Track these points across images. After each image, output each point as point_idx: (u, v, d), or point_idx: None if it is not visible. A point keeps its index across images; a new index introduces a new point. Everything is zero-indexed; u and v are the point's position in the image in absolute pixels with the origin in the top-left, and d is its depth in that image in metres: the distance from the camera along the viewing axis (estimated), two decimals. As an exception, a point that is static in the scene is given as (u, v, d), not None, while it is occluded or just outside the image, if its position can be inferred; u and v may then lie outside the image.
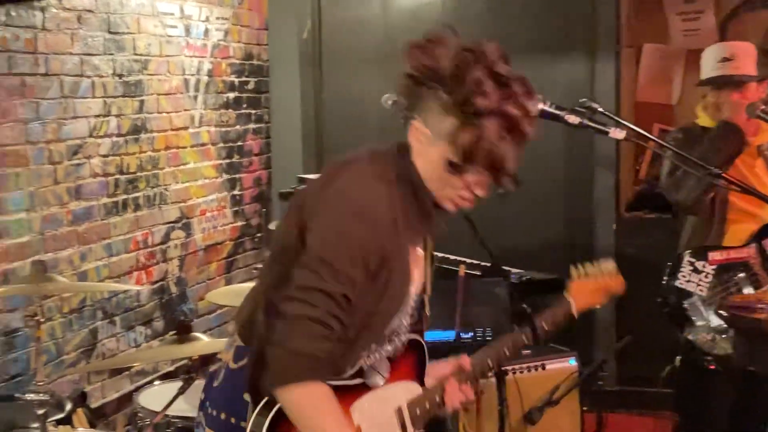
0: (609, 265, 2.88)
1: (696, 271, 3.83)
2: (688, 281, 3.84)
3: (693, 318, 3.80)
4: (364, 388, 2.27)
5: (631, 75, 5.74)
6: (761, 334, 3.09)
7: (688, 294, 3.83)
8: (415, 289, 2.30)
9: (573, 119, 2.49)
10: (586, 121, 2.48)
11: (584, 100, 2.53)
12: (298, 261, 2.11)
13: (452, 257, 4.30)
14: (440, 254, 4.38)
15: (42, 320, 2.87)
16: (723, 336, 3.61)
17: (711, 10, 5.63)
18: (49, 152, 4.33)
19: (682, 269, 3.85)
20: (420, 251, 2.34)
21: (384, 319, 2.22)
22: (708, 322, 3.77)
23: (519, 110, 2.07)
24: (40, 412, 2.79)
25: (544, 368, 4.38)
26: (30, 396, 2.79)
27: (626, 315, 5.47)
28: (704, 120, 4.03)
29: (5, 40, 4.05)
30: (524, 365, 4.35)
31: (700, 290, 3.81)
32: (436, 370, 2.47)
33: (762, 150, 3.98)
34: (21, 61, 4.14)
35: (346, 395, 2.21)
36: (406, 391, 2.36)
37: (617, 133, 2.48)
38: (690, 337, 3.80)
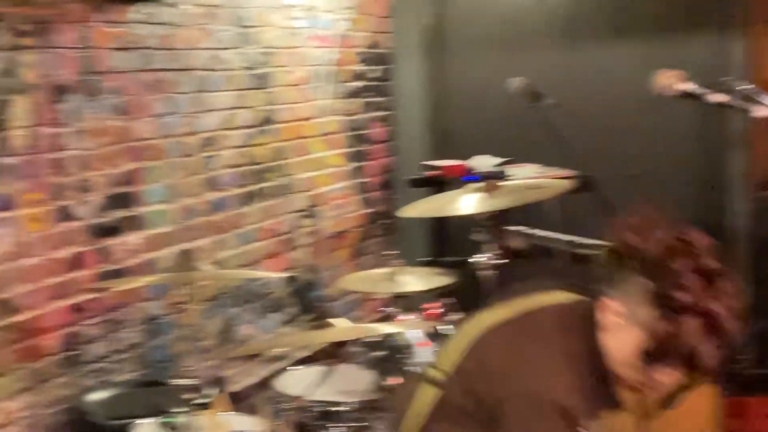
0: None
1: None
2: None
3: None
4: None
5: (763, 52, 5.57)
6: None
7: None
8: None
9: (715, 98, 2.43)
10: (731, 101, 2.41)
11: (725, 78, 2.47)
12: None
13: (589, 241, 4.26)
14: (578, 239, 4.38)
15: (187, 307, 2.95)
16: None
17: None
18: (183, 145, 4.45)
19: None
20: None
21: None
22: None
23: (723, 309, 1.96)
24: (187, 396, 2.88)
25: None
26: (177, 381, 2.88)
27: (764, 298, 5.33)
28: None
29: (142, 38, 4.17)
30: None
31: None
32: None
33: None
34: (156, 57, 4.27)
35: None
36: None
37: (761, 111, 2.41)
38: None
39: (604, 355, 2.11)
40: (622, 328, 2.05)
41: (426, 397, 2.23)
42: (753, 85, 2.43)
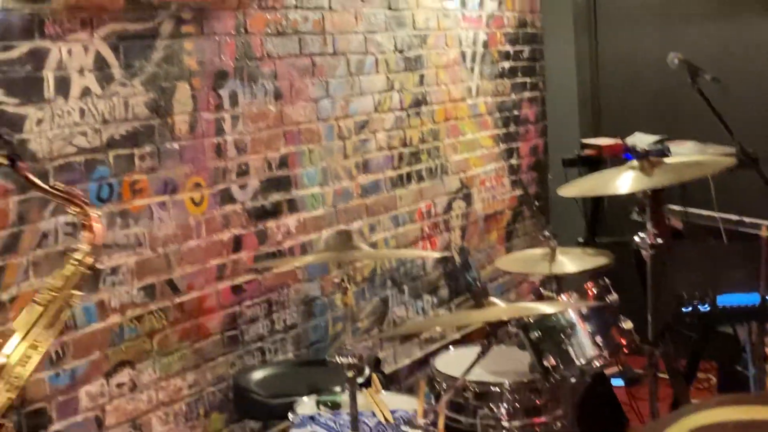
0: None
1: None
2: None
3: None
4: None
5: None
6: None
7: None
8: None
9: None
10: None
11: None
12: None
13: (751, 220, 4.12)
14: (738, 217, 4.24)
15: (349, 287, 2.99)
16: None
17: None
18: (338, 128, 4.51)
19: None
20: None
21: None
22: None
23: None
24: (349, 374, 2.92)
25: None
26: (339, 359, 2.91)
27: None
28: None
29: (296, 22, 4.24)
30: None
31: None
32: None
33: None
34: (311, 41, 4.32)
35: None
36: None
37: None
38: None
39: None
40: None
41: None
42: None
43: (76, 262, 2.17)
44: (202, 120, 3.80)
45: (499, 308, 2.94)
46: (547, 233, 3.84)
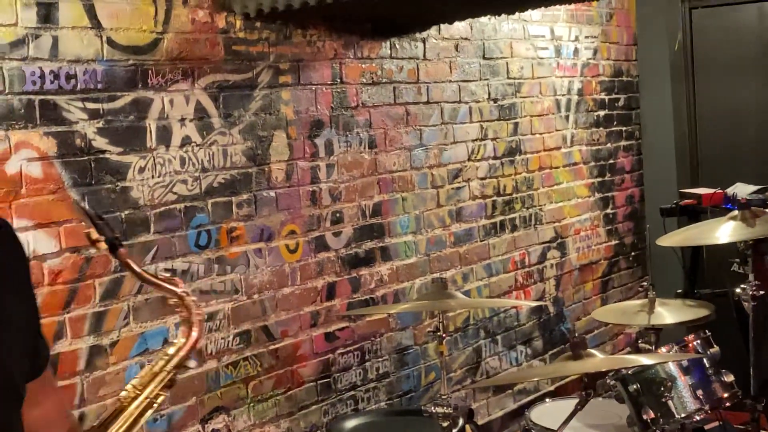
0: None
1: None
2: None
3: None
4: None
5: None
6: None
7: None
8: None
9: None
10: None
11: None
12: None
13: None
14: None
15: (443, 335, 2.97)
16: None
17: None
18: (432, 176, 4.51)
19: None
20: None
21: None
22: None
23: None
24: (445, 425, 2.89)
25: None
26: (434, 409, 2.89)
27: None
28: None
29: (391, 72, 4.27)
30: None
31: None
32: None
33: None
34: (405, 90, 4.35)
35: None
36: None
37: None
38: None
39: None
40: None
41: None
42: None
43: (167, 357, 1.80)
44: (298, 168, 3.84)
45: (598, 359, 2.89)
46: (645, 284, 3.78)
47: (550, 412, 3.54)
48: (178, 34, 3.37)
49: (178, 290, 1.79)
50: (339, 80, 4.03)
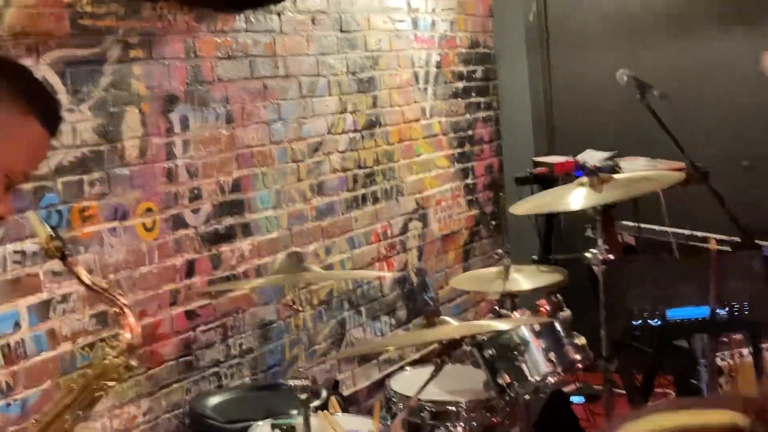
0: None
1: None
2: None
3: None
4: None
5: None
6: None
7: None
8: None
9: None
10: None
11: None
12: None
13: (701, 234, 4.16)
14: (689, 231, 4.28)
15: (300, 309, 2.97)
16: None
17: None
18: (291, 151, 4.50)
19: None
20: None
21: None
22: None
23: None
24: (303, 397, 2.90)
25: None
26: (292, 382, 2.90)
27: None
28: None
29: (246, 46, 4.24)
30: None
31: None
32: None
33: None
34: (262, 64, 4.32)
35: None
36: None
37: None
38: None
39: None
40: None
41: None
42: None
43: (110, 356, 2.16)
44: (152, 144, 3.78)
45: (451, 327, 2.94)
46: (500, 251, 3.86)
47: (410, 381, 3.59)
48: (21, 9, 3.26)
49: (120, 302, 2.11)
50: (193, 54, 3.97)
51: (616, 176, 3.69)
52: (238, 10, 4.21)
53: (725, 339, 3.96)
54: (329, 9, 4.74)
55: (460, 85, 5.87)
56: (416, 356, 5.09)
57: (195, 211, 3.97)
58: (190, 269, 3.95)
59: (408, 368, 3.80)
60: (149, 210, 3.77)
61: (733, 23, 5.47)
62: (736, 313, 3.16)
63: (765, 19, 5.36)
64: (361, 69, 4.96)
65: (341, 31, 4.82)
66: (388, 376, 3.83)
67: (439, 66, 5.64)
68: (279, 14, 4.43)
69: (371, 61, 5.05)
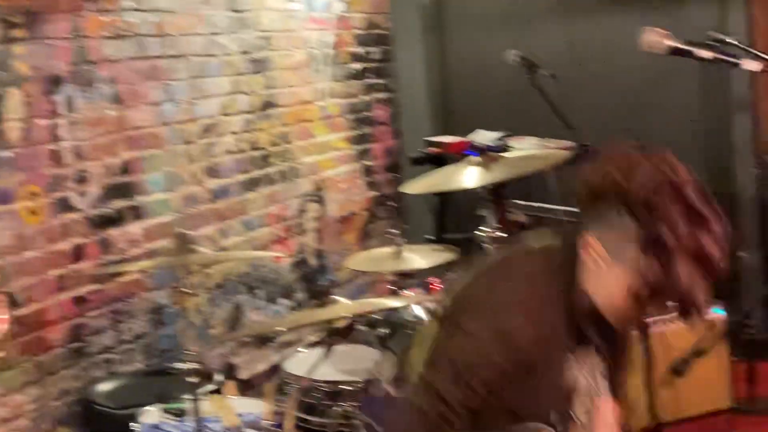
0: None
1: None
2: None
3: None
4: None
5: (765, 14, 5.50)
6: None
7: None
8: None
9: (704, 54, 2.39)
10: (718, 54, 2.37)
11: (712, 32, 2.42)
12: (440, 348, 2.09)
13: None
14: (574, 209, 4.33)
15: (188, 291, 2.94)
16: None
17: None
18: (183, 132, 4.44)
19: None
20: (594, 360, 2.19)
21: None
22: None
23: (714, 250, 1.92)
24: (191, 381, 2.87)
25: (691, 319, 4.27)
26: (180, 366, 2.86)
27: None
28: None
29: (134, 25, 4.15)
30: (669, 317, 4.26)
31: None
32: None
33: None
34: (150, 44, 4.24)
35: None
36: None
37: (751, 65, 2.37)
38: None
39: (589, 294, 2.05)
40: (607, 268, 2.00)
41: (430, 330, 2.20)
42: (739, 40, 2.39)
43: None
44: (36, 126, 3.68)
45: (341, 306, 2.94)
46: (393, 230, 3.86)
47: (305, 362, 3.57)
48: None
49: None
50: (78, 34, 3.88)
51: (505, 155, 3.73)
52: (125, -11, 4.13)
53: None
54: (220, -13, 4.68)
55: (357, 66, 5.85)
56: (314, 339, 5.07)
57: (82, 194, 3.89)
58: (77, 254, 3.87)
59: (303, 350, 3.79)
60: (34, 193, 3.68)
61: (623, 2, 5.56)
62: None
63: (644, 1, 5.47)
64: (254, 49, 4.91)
65: (233, 10, 4.76)
66: (284, 359, 3.81)
67: (335, 47, 5.62)
68: (168, -7, 4.35)
69: (265, 41, 5.00)
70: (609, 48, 5.45)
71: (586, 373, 2.15)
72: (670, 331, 4.19)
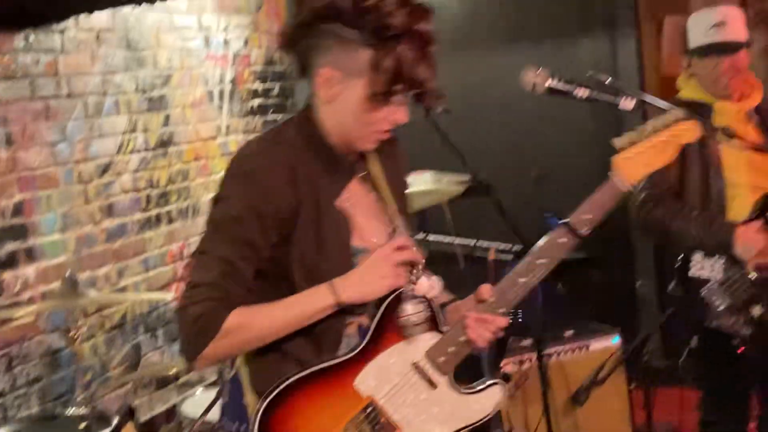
0: (672, 114, 2.32)
1: (707, 256, 3.72)
2: (702, 267, 3.73)
3: (714, 304, 3.68)
4: (365, 357, 2.16)
5: (655, 49, 5.68)
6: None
7: (704, 282, 3.72)
8: (374, 239, 2.22)
9: (582, 93, 2.46)
10: (594, 94, 2.44)
11: (591, 73, 2.50)
12: (208, 225, 2.19)
13: (481, 243, 4.29)
14: (469, 241, 4.40)
15: (76, 336, 2.90)
16: (752, 307, 3.50)
17: (731, -24, 5.54)
18: (78, 172, 4.38)
19: (693, 258, 3.76)
20: (372, 200, 2.29)
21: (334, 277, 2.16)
22: (730, 304, 3.66)
23: (427, 26, 2.10)
24: (82, 426, 2.82)
25: (587, 348, 4.35)
26: (71, 412, 2.81)
27: (665, 292, 5.41)
28: (689, 92, 3.86)
29: (27, 66, 4.10)
30: (567, 347, 4.33)
31: (715, 274, 3.70)
32: (456, 311, 2.31)
33: (751, 115, 3.82)
34: (43, 84, 4.19)
35: (347, 371, 2.14)
36: (420, 343, 2.21)
37: (626, 104, 2.45)
38: (714, 325, 3.70)
39: (336, 126, 2.17)
40: (344, 87, 2.11)
41: None
42: (611, 78, 2.47)
43: None
44: (-77, 169, 3.61)
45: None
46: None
47: (202, 403, 3.55)
48: None
49: None
50: (-33, 75, 3.82)
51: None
52: (18, 29, 4.07)
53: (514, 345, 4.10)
54: (115, 27, 4.64)
55: (257, 102, 5.86)
56: (214, 379, 5.03)
57: (-27, 237, 3.82)
58: (-32, 297, 3.79)
59: (200, 390, 3.76)
60: None
61: (516, 39, 5.69)
62: (511, 320, 3.25)
63: (547, 36, 5.60)
64: (151, 87, 4.89)
65: (129, 49, 4.73)
66: (183, 400, 3.78)
67: (233, 83, 5.62)
68: (62, 32, 4.31)
69: (162, 79, 4.97)
70: (503, 84, 5.51)
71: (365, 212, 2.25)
72: (568, 361, 4.26)
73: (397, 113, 2.15)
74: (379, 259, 2.15)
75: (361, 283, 2.13)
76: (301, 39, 2.14)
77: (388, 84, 2.08)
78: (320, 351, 2.16)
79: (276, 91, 6.07)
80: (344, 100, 2.13)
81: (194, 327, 2.05)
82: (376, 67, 2.07)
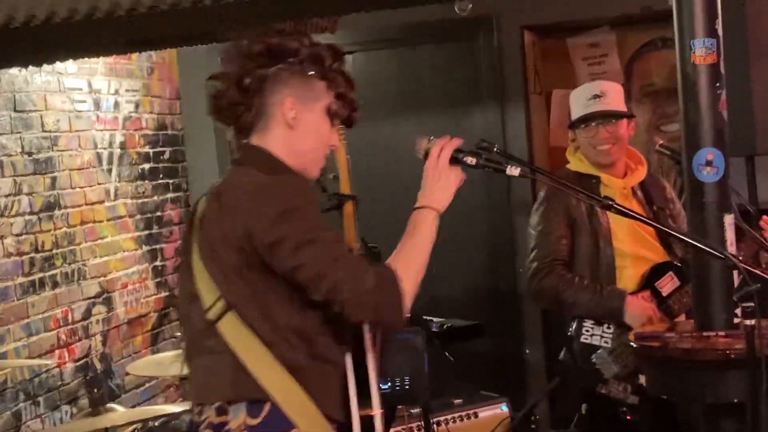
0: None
1: (598, 324, 3.81)
2: (592, 335, 3.82)
3: (603, 372, 3.77)
4: None
5: (543, 121, 5.83)
6: (672, 362, 3.08)
7: (595, 348, 3.80)
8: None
9: (470, 160, 2.52)
10: (482, 161, 2.51)
11: (480, 141, 2.56)
12: (281, 260, 2.32)
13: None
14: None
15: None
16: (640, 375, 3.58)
17: (615, 52, 5.74)
18: (-42, 234, 4.26)
19: (584, 324, 3.84)
20: None
21: None
22: (618, 372, 3.74)
23: (335, 54, 2.51)
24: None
25: (476, 416, 4.38)
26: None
27: (556, 356, 5.49)
28: (575, 164, 3.99)
29: None
30: (456, 414, 4.35)
31: (605, 342, 3.79)
32: None
33: (636, 190, 3.96)
34: (-76, 144, 4.09)
35: None
36: None
37: (512, 171, 2.51)
38: (603, 391, 3.77)
39: (293, 154, 2.48)
40: (309, 110, 2.47)
41: None
42: (498, 147, 2.54)
43: None
44: None
45: (117, 414, 2.86)
46: (179, 334, 3.81)
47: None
48: None
49: None
50: None
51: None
52: None
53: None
54: (2, 88, 4.56)
55: (147, 166, 5.79)
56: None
57: None
58: None
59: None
60: None
61: (409, 108, 5.78)
62: (397, 388, 3.26)
63: (440, 105, 5.71)
64: (38, 150, 4.80)
65: (15, 110, 4.65)
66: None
67: (123, 147, 5.55)
68: (-55, 91, 4.22)
69: (49, 141, 4.89)
70: (396, 151, 5.62)
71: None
72: (457, 429, 4.29)
73: (333, 136, 2.53)
74: (432, 167, 2.53)
75: (442, 189, 2.55)
76: (260, 77, 2.42)
77: (339, 104, 2.48)
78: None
79: (167, 155, 6.02)
80: (311, 120, 2.47)
81: (394, 290, 2.38)
82: (334, 88, 2.47)
